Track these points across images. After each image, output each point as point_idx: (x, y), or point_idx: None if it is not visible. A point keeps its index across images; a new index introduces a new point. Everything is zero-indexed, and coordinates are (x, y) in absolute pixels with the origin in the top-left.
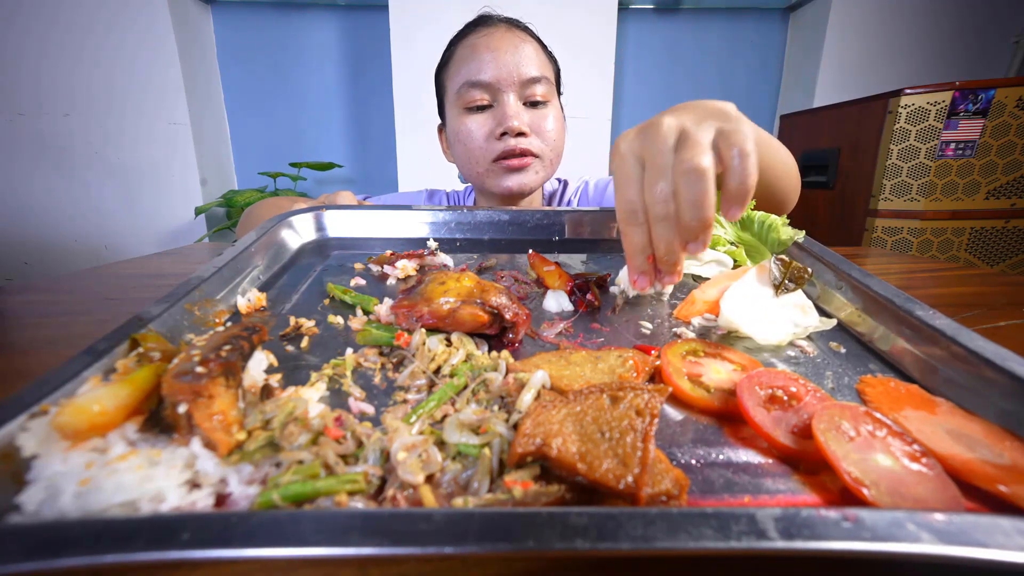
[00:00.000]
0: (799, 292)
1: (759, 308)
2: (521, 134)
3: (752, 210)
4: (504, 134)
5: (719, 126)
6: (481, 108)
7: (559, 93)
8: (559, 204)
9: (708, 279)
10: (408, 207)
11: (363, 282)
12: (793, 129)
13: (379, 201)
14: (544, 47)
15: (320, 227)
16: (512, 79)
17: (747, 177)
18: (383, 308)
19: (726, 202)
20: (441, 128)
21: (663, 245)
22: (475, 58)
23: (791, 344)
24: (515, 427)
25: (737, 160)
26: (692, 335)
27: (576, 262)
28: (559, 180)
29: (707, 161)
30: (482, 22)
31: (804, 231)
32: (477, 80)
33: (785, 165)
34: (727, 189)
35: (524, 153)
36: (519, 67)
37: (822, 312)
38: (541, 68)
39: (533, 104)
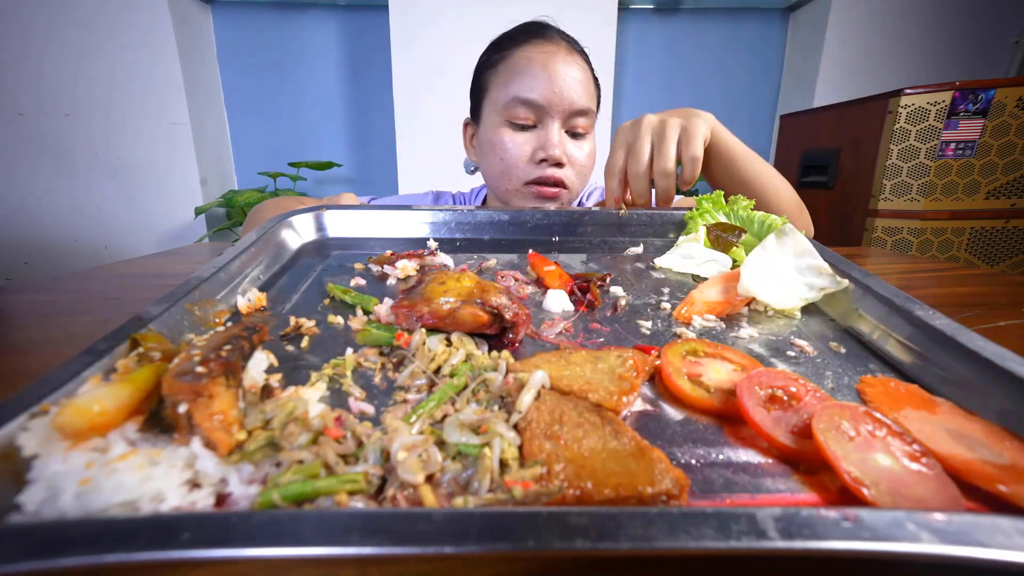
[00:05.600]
0: (814, 254)
1: (776, 274)
2: (559, 164)
3: (752, 210)
4: (543, 160)
5: (682, 128)
6: (524, 127)
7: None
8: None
9: (707, 279)
10: (408, 207)
11: (363, 282)
12: (793, 129)
13: (384, 203)
14: (593, 72)
15: (320, 227)
16: (563, 107)
17: (694, 173)
18: (383, 308)
19: (681, 182)
20: (468, 123)
21: (638, 192)
22: (531, 74)
23: (791, 343)
24: (515, 427)
25: (688, 161)
26: (692, 335)
27: (576, 262)
28: None
29: (671, 166)
30: (542, 33)
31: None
32: (529, 99)
33: (766, 175)
34: (681, 177)
35: (557, 183)
36: (572, 95)
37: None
38: (589, 99)
39: (574, 135)
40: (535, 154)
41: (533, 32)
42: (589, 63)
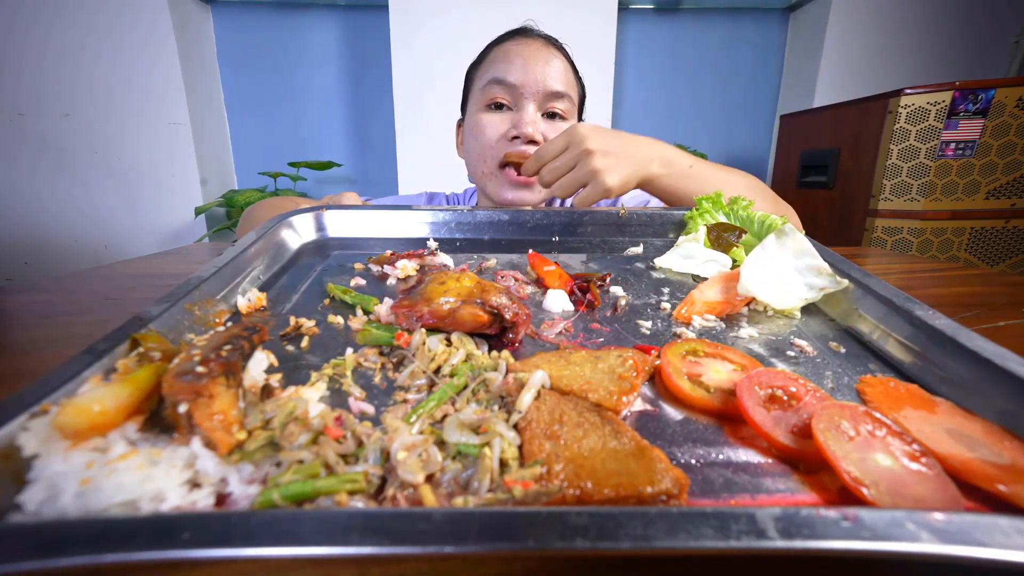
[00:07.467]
0: (814, 254)
1: (776, 274)
2: (533, 142)
3: (752, 210)
4: (516, 138)
5: (594, 173)
6: (500, 107)
7: (580, 118)
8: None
9: (707, 279)
10: (408, 207)
11: (363, 282)
12: (793, 129)
13: (379, 203)
14: (575, 69)
15: (320, 227)
16: (536, 87)
17: (582, 205)
18: (383, 308)
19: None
20: (460, 123)
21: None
22: (506, 60)
23: (791, 343)
24: (515, 427)
25: (579, 203)
26: (692, 335)
27: (576, 262)
28: None
29: (565, 194)
30: (521, 32)
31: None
32: (503, 79)
33: (730, 185)
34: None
35: None
36: (546, 78)
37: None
38: (566, 86)
39: (551, 116)
40: (508, 132)
41: (514, 32)
42: (569, 59)
